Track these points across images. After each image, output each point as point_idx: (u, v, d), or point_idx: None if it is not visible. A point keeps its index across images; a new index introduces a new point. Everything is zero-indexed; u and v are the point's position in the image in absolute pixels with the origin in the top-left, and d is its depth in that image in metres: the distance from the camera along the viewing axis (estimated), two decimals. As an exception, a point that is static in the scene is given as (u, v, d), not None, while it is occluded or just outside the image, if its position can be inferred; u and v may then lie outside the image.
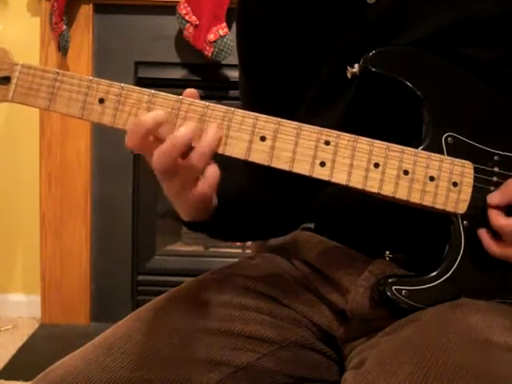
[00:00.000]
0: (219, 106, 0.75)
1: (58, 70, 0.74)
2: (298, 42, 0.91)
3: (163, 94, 0.74)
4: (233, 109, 0.75)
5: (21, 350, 2.21)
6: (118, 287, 2.44)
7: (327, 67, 0.89)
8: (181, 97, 0.74)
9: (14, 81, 0.74)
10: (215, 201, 0.83)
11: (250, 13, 0.95)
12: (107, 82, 0.74)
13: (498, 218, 0.78)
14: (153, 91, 0.74)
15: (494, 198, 0.79)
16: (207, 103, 0.74)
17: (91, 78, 0.74)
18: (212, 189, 0.74)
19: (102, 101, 0.74)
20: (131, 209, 2.41)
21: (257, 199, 0.96)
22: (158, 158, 0.70)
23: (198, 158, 0.71)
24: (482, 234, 0.79)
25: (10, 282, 2.55)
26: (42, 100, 0.74)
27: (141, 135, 0.71)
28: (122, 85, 0.74)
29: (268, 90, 0.96)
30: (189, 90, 0.75)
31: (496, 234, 0.79)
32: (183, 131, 0.71)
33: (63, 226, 2.38)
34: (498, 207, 0.79)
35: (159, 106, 0.74)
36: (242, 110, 0.75)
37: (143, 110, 0.73)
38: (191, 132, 0.71)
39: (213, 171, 0.73)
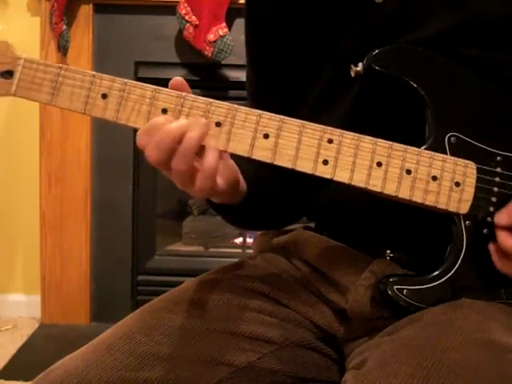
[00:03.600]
0: (223, 102, 0.74)
1: (60, 65, 0.74)
2: (305, 40, 0.91)
3: (166, 89, 0.74)
4: (236, 106, 0.75)
5: (21, 350, 2.20)
6: (117, 287, 2.43)
7: (332, 66, 0.89)
8: (184, 93, 0.74)
9: (16, 75, 0.74)
10: (243, 187, 0.82)
11: (257, 9, 0.96)
12: (110, 77, 0.74)
13: (506, 239, 0.78)
14: (156, 87, 0.74)
15: (501, 219, 0.79)
16: (210, 100, 0.74)
17: (94, 73, 0.74)
18: (211, 180, 0.73)
19: (104, 96, 0.74)
20: (131, 209, 2.41)
21: (265, 190, 0.95)
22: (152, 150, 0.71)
23: (181, 160, 0.71)
24: (492, 250, 0.79)
25: (10, 281, 2.55)
26: (44, 94, 0.74)
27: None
28: (125, 80, 0.74)
29: (274, 87, 0.96)
30: (176, 79, 0.75)
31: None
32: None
33: (63, 225, 2.38)
34: (505, 227, 0.78)
35: (162, 102, 0.74)
36: (245, 108, 0.75)
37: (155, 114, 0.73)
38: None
39: (207, 163, 0.72)
